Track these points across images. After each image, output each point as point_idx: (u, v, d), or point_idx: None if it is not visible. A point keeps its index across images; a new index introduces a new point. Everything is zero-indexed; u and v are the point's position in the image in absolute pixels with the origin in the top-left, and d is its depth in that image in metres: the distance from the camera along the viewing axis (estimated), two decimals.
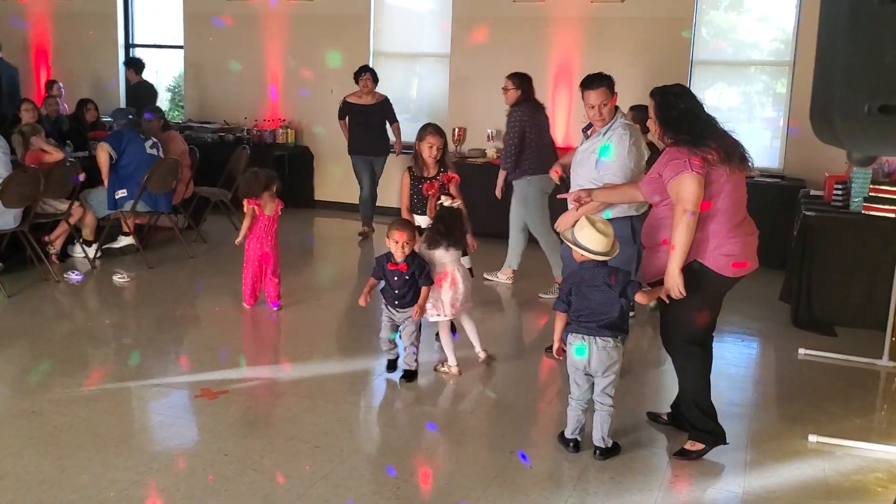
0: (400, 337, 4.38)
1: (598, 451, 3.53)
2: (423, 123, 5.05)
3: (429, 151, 4.82)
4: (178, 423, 3.84)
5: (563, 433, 3.64)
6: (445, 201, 4.53)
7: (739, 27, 8.39)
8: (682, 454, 3.59)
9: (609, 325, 3.45)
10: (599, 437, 3.53)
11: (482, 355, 4.63)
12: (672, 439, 3.75)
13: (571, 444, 3.58)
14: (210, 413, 3.92)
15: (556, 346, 3.60)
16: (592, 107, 4.24)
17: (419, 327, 4.38)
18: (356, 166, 7.93)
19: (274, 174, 5.54)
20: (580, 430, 3.59)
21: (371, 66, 8.34)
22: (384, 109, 7.86)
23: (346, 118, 7.92)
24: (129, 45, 11.00)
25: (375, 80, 7.83)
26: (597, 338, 3.44)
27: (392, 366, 4.46)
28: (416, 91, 9.77)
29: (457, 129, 8.78)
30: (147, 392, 4.17)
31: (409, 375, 4.37)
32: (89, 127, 8.51)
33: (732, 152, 3.40)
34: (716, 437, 3.59)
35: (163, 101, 11.01)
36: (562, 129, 8.56)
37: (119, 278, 6.22)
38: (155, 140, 6.94)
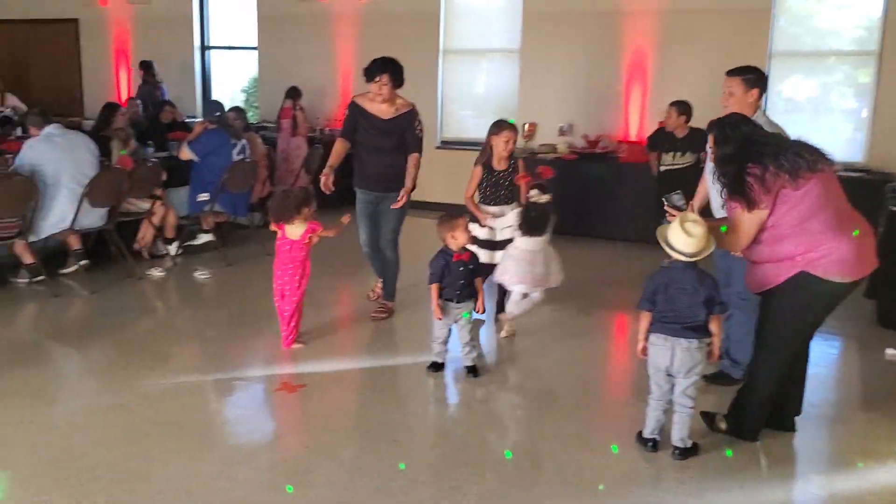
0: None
1: (676, 451, 3.48)
2: (496, 119, 5.32)
3: (504, 146, 5.09)
4: (259, 417, 3.93)
5: (641, 432, 3.60)
6: (538, 198, 4.78)
7: (820, 15, 8.13)
8: (704, 415, 3.73)
9: (694, 328, 3.38)
10: (679, 437, 3.48)
11: (505, 328, 5.13)
12: (752, 441, 3.67)
13: (650, 444, 3.54)
14: (289, 407, 4.00)
15: (640, 345, 3.54)
16: (723, 92, 4.28)
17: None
18: (358, 204, 5.36)
19: (310, 193, 4.81)
20: (659, 429, 3.54)
21: (439, 63, 8.01)
22: (406, 126, 5.18)
23: (354, 135, 5.25)
24: (204, 48, 11.29)
25: (398, 82, 5.14)
26: (680, 339, 3.37)
27: (438, 367, 4.46)
28: (483, 87, 9.77)
29: (527, 125, 8.75)
30: (228, 386, 4.28)
31: (475, 370, 4.40)
32: (166, 128, 8.76)
33: (795, 166, 3.23)
34: (747, 435, 3.61)
35: (238, 103, 11.26)
36: (635, 124, 8.45)
37: (200, 275, 6.40)
38: (244, 143, 7.10)
